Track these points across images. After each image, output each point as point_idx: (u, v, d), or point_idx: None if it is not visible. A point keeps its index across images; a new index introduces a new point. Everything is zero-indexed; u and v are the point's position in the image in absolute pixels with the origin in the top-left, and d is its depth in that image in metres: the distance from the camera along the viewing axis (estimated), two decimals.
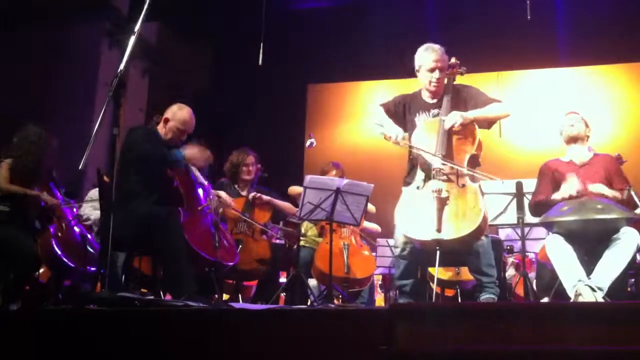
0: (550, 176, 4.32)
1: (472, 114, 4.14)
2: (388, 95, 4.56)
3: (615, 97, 8.39)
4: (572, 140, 4.35)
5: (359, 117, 9.06)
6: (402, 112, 4.40)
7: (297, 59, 8.80)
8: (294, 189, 5.62)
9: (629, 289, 4.49)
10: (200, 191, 4.46)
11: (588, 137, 4.40)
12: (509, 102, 8.12)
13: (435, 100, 4.34)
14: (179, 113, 4.42)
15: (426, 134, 4.20)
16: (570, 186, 4.09)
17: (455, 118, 4.09)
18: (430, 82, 4.29)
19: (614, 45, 8.03)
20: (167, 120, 4.39)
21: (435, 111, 4.29)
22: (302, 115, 9.27)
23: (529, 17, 6.54)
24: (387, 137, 4.14)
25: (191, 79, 8.68)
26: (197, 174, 4.49)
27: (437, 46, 4.32)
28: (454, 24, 8.19)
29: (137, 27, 3.55)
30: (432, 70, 4.26)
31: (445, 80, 4.33)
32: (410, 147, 4.18)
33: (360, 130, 8.80)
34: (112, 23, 8.13)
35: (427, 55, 4.30)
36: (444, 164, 4.04)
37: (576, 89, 8.42)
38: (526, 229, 4.84)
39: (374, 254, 5.98)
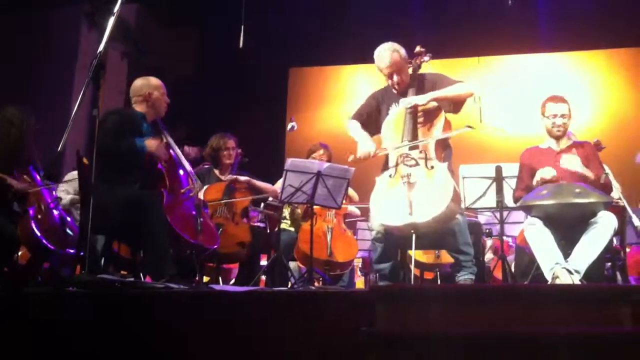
0: (530, 168, 4.35)
1: (429, 95, 4.22)
2: (367, 83, 4.59)
3: (595, 83, 8.46)
4: (554, 137, 4.39)
5: (340, 101, 9.05)
6: (376, 110, 4.50)
7: (278, 43, 8.75)
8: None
9: (605, 272, 4.54)
10: (182, 173, 4.45)
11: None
12: (489, 87, 8.24)
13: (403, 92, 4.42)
14: (153, 81, 4.46)
15: (393, 124, 4.31)
16: (543, 172, 4.14)
17: (410, 100, 4.20)
18: (392, 84, 4.40)
19: (595, 32, 8.07)
20: (151, 95, 4.40)
21: None
22: (283, 99, 9.24)
23: (510, 1, 6.56)
24: (361, 158, 4.27)
25: (171, 61, 8.59)
26: (180, 156, 4.47)
27: (388, 49, 4.34)
28: (436, 8, 8.19)
29: (116, 9, 3.52)
30: (388, 76, 4.38)
31: (411, 70, 4.39)
32: (383, 151, 4.27)
33: (342, 115, 8.76)
34: (91, 5, 8.02)
35: (379, 62, 4.37)
36: (411, 148, 4.14)
37: (556, 74, 8.46)
38: (505, 213, 4.88)
39: (355, 237, 6.00)
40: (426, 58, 4.39)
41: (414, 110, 4.19)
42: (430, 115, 4.21)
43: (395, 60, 4.31)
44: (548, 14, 8.11)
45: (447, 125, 4.26)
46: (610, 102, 8.39)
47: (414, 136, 4.19)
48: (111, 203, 3.91)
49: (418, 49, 4.40)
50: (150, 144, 4.23)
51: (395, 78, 4.35)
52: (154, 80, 4.48)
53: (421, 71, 4.43)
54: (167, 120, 4.60)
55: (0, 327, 2.99)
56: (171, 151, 4.45)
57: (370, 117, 4.49)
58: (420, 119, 4.21)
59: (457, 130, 4.26)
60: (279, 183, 5.34)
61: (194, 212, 4.31)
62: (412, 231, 3.99)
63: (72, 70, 7.80)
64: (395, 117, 4.32)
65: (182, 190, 4.38)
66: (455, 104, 4.34)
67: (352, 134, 4.47)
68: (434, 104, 4.21)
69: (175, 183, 4.37)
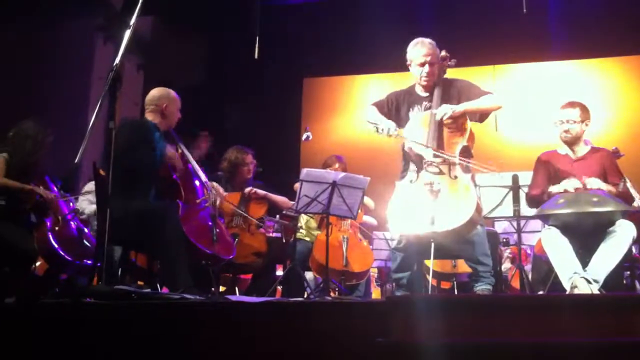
0: (546, 169, 4.32)
1: (462, 107, 4.19)
2: (381, 92, 4.61)
3: (611, 89, 8.40)
4: (565, 144, 4.36)
5: (355, 111, 9.05)
6: (395, 108, 4.46)
7: (292, 53, 8.77)
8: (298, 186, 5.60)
9: (624, 281, 4.50)
10: (197, 183, 4.46)
11: (584, 131, 4.38)
12: (505, 95, 8.21)
13: (427, 94, 4.39)
14: (172, 95, 4.50)
15: (418, 127, 4.25)
16: (569, 184, 4.10)
17: (445, 110, 4.15)
18: (421, 76, 4.36)
19: (609, 39, 8.03)
20: (167, 107, 4.43)
21: (428, 104, 4.35)
22: (298, 109, 9.25)
23: (524, 10, 6.54)
24: (379, 130, 4.19)
25: (186, 72, 8.64)
26: (196, 166, 4.49)
27: (427, 40, 4.37)
28: (450, 17, 8.18)
29: (132, 21, 3.55)
30: (422, 64, 4.33)
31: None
32: (403, 138, 4.21)
33: (356, 124, 8.78)
34: (105, 18, 8.09)
35: (417, 50, 4.36)
36: (435, 156, 4.09)
37: (572, 81, 8.42)
38: (522, 222, 4.85)
39: (370, 247, 5.99)
40: (451, 63, 4.42)
41: (442, 120, 4.17)
42: (456, 124, 4.18)
43: (432, 52, 4.33)
44: (562, 21, 8.08)
45: (471, 136, 4.23)
46: (626, 109, 8.32)
47: (439, 143, 4.15)
48: (127, 214, 3.93)
49: (443, 53, 4.42)
50: (170, 153, 4.30)
51: (427, 68, 4.31)
52: (173, 94, 4.51)
53: (446, 76, 4.43)
54: (182, 131, 4.62)
55: (17, 338, 3.00)
56: (189, 159, 4.47)
57: (390, 112, 4.45)
58: (447, 126, 4.18)
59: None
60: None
61: (209, 223, 4.32)
62: (431, 240, 3.96)
63: (88, 82, 7.87)
64: (421, 119, 4.27)
65: (198, 201, 4.39)
66: (482, 115, 4.35)
67: (369, 118, 4.39)
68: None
69: (191, 194, 4.38)
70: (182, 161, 4.44)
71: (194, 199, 4.39)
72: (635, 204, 4.14)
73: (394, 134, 4.17)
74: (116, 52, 3.48)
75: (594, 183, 4.06)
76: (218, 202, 4.52)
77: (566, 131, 4.29)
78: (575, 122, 4.28)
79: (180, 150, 4.46)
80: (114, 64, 3.44)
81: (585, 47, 8.31)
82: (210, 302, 3.36)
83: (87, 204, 5.63)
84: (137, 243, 4.26)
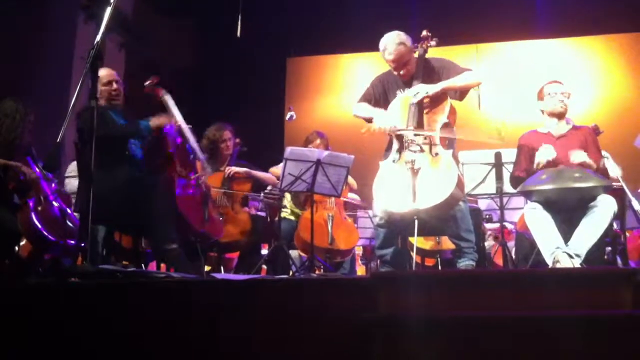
0: (528, 149, 4.35)
1: (439, 85, 4.18)
2: (366, 71, 4.60)
3: (594, 68, 8.45)
4: (557, 116, 4.38)
5: (339, 90, 9.04)
6: (383, 94, 4.45)
7: (276, 32, 8.73)
8: (275, 171, 5.60)
9: (605, 257, 4.55)
10: (192, 158, 4.46)
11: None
12: (488, 74, 8.23)
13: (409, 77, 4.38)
14: (100, 74, 4.37)
15: (399, 109, 4.26)
16: (543, 153, 4.13)
17: (421, 91, 4.14)
18: (397, 74, 4.36)
19: (593, 17, 8.07)
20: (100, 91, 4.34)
21: (408, 88, 4.33)
22: (281, 89, 9.23)
23: None
24: (377, 129, 4.20)
25: (169, 52, 8.57)
26: (194, 145, 4.47)
27: (393, 42, 4.28)
28: None
29: None
30: (393, 68, 4.33)
31: (416, 55, 4.35)
32: (406, 130, 4.15)
33: (341, 103, 8.78)
34: None
35: (383, 55, 4.33)
36: (416, 135, 4.10)
37: (555, 60, 8.45)
38: (505, 199, 4.88)
39: (355, 225, 6.01)
40: (432, 43, 4.33)
41: (421, 99, 4.15)
42: (436, 102, 4.18)
43: (401, 52, 4.26)
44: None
45: (452, 112, 4.24)
46: (609, 88, 8.38)
47: (420, 122, 4.15)
48: (112, 190, 3.91)
49: (424, 33, 4.35)
50: (157, 119, 4.27)
51: (401, 72, 4.32)
52: (100, 73, 4.20)
53: (427, 56, 4.38)
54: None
55: (2, 319, 3.00)
56: (187, 135, 4.44)
57: (379, 100, 4.43)
58: (426, 104, 4.18)
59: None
60: (276, 168, 5.36)
61: (202, 201, 4.33)
62: (415, 217, 3.99)
63: (69, 62, 7.78)
64: (401, 101, 4.28)
65: (192, 177, 4.39)
66: (462, 92, 4.32)
67: (363, 114, 4.40)
68: None
69: (186, 169, 4.38)
70: (179, 136, 4.41)
71: (189, 174, 4.39)
72: (614, 177, 4.18)
73: (394, 130, 4.15)
74: (97, 31, 3.46)
75: (578, 157, 4.09)
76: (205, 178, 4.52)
77: (562, 101, 4.31)
78: (567, 95, 4.32)
79: (177, 124, 4.41)
80: (95, 42, 3.41)
81: (569, 25, 8.33)
82: (195, 280, 3.37)
83: (72, 180, 5.59)
84: (123, 219, 4.24)
